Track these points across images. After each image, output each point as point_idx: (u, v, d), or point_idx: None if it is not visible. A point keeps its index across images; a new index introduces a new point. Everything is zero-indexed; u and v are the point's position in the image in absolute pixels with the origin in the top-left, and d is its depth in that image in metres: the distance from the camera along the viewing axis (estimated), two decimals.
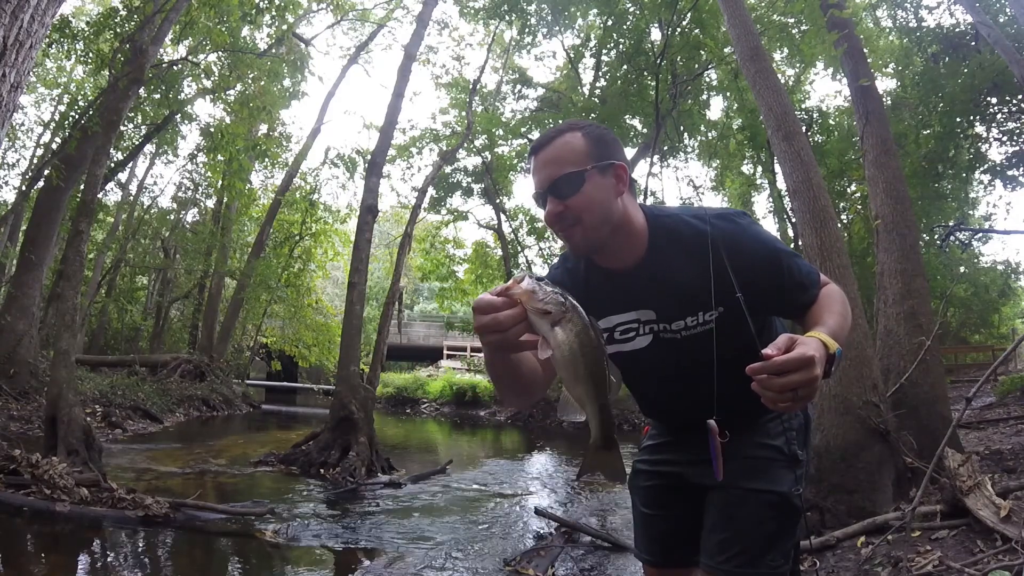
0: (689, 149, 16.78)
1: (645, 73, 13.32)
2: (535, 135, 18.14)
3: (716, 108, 21.86)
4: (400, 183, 22.32)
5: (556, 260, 1.44)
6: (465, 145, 15.87)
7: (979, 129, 10.42)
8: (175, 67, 11.41)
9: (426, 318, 31.06)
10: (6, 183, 15.64)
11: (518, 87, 17.93)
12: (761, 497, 1.26)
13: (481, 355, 21.87)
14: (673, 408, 1.42)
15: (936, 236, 12.52)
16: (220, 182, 15.78)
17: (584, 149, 1.19)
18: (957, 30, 10.31)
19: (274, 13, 11.33)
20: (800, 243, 4.89)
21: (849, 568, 3.06)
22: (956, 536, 2.96)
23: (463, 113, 15.85)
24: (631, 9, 12.88)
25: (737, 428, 1.30)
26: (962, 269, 16.62)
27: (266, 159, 16.21)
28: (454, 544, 4.48)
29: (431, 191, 16.25)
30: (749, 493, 1.27)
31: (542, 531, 4.76)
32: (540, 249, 18.20)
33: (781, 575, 1.26)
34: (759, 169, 15.70)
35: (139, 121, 12.74)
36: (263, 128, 15.97)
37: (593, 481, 7.38)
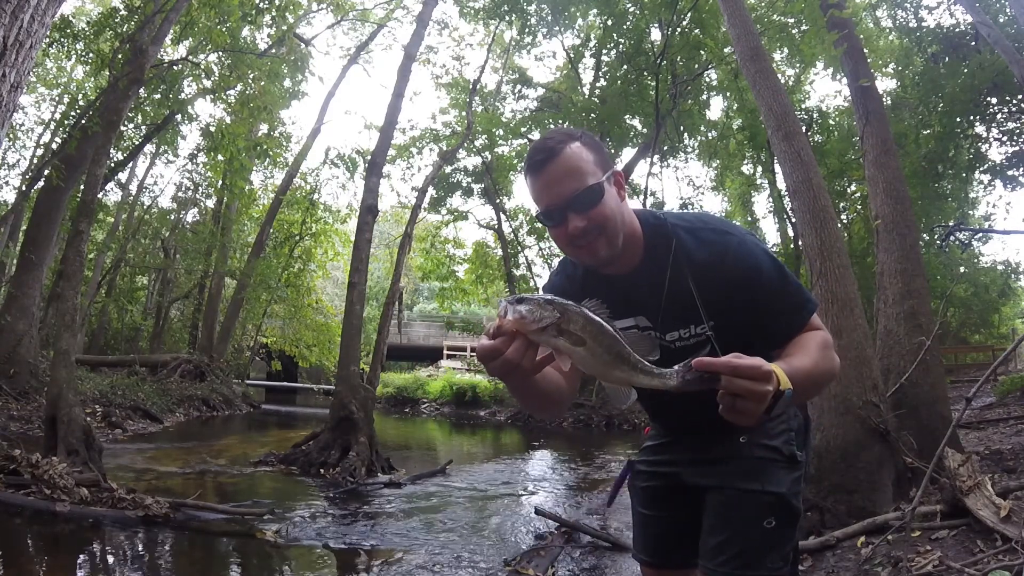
0: (689, 149, 16.80)
1: (645, 73, 13.33)
2: (535, 135, 18.14)
3: (716, 108, 21.85)
4: (400, 183, 22.39)
5: (555, 268, 1.43)
6: (465, 145, 15.87)
7: (979, 129, 10.43)
8: (175, 67, 11.42)
9: (426, 318, 31.05)
10: (6, 183, 15.62)
11: (518, 87, 17.94)
12: (759, 498, 1.25)
13: None
14: (670, 411, 1.42)
15: (936, 236, 12.52)
16: (220, 182, 15.80)
17: (592, 159, 1.18)
18: (957, 30, 10.31)
19: (274, 13, 11.34)
20: (800, 243, 4.90)
21: (849, 568, 3.06)
22: (956, 536, 2.96)
23: (463, 113, 15.85)
24: (631, 9, 12.89)
25: (735, 428, 1.31)
26: (962, 269, 16.62)
27: (267, 159, 16.22)
28: (454, 544, 4.48)
29: (431, 191, 16.25)
30: (747, 494, 1.26)
31: (542, 531, 4.76)
32: (540, 249, 18.20)
33: None
34: (759, 169, 15.72)
35: (139, 121, 12.73)
36: (263, 128, 15.97)
37: (593, 481, 7.39)
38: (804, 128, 9.56)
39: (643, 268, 1.26)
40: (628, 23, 12.96)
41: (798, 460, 1.31)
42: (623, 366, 0.96)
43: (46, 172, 10.62)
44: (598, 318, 0.94)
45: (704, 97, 14.95)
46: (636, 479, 1.51)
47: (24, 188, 12.94)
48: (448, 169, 17.00)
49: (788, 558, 1.27)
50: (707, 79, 14.23)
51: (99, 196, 10.09)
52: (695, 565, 1.33)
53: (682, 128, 14.87)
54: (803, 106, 14.25)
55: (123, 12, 9.76)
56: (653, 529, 1.47)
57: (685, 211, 1.38)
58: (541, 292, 1.32)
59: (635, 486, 1.51)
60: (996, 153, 10.56)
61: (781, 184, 11.43)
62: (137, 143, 14.18)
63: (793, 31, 10.11)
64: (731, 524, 1.25)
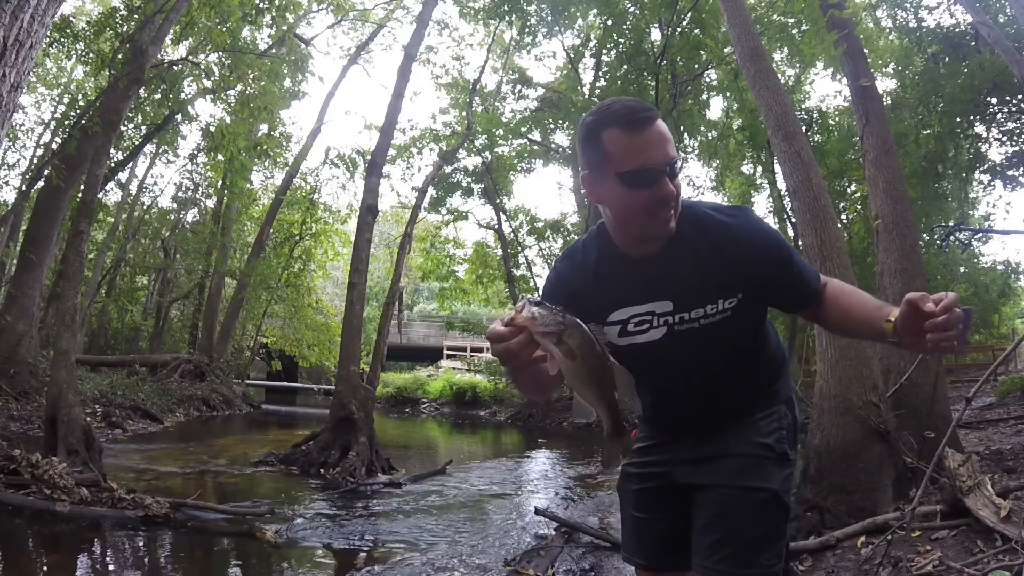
0: (689, 149, 16.76)
1: (645, 73, 13.31)
2: (535, 135, 18.12)
3: (716, 108, 21.85)
4: (400, 183, 22.36)
5: (561, 257, 1.42)
6: (465, 145, 15.87)
7: (979, 129, 10.41)
8: (175, 67, 11.41)
9: (426, 318, 31.04)
10: (6, 183, 15.57)
11: (518, 87, 17.93)
12: (754, 495, 1.26)
13: (481, 355, 21.95)
14: (674, 402, 1.42)
15: (936, 236, 12.51)
16: (220, 182, 15.78)
17: None
18: (957, 30, 10.30)
19: (274, 13, 11.34)
20: (800, 243, 4.89)
21: (849, 568, 3.06)
22: (956, 536, 2.95)
23: (463, 113, 15.85)
24: (631, 9, 12.88)
25: (730, 426, 1.35)
26: (962, 269, 16.61)
27: (267, 159, 16.21)
28: (454, 544, 4.48)
29: (431, 191, 16.25)
30: (742, 491, 1.27)
31: (542, 531, 4.76)
32: (540, 249, 18.19)
33: (774, 574, 1.26)
34: (759, 169, 15.68)
35: (139, 121, 12.72)
36: (263, 128, 15.96)
37: (597, 479, 7.39)
38: (804, 128, 9.54)
39: (671, 248, 1.26)
40: (628, 23, 12.95)
41: (789, 458, 1.34)
42: (596, 390, 1.09)
43: (46, 172, 10.62)
44: (596, 342, 1.06)
45: (704, 97, 14.94)
46: (627, 482, 1.49)
47: (24, 188, 12.92)
48: (448, 169, 17.00)
49: (781, 555, 1.29)
50: (707, 79, 14.22)
51: (99, 196, 10.09)
52: (689, 567, 1.32)
53: (682, 128, 14.84)
54: (803, 106, 14.23)
55: (123, 12, 9.76)
56: (648, 532, 1.45)
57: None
58: (549, 284, 1.38)
59: (626, 489, 1.49)
60: (996, 153, 10.56)
61: (781, 184, 11.40)
62: (137, 143, 14.15)
63: (793, 31, 10.09)
64: (727, 522, 1.26)
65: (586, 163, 1.23)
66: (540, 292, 1.39)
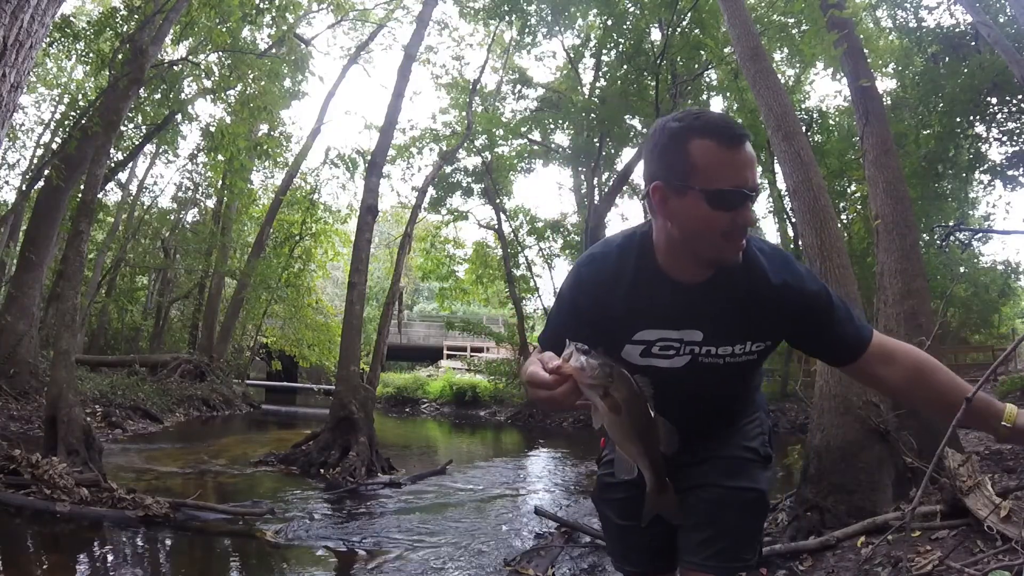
0: None
1: (645, 73, 13.32)
2: (535, 135, 18.10)
3: (716, 108, 21.81)
4: (400, 183, 22.36)
5: (586, 260, 1.29)
6: (465, 145, 15.87)
7: (979, 129, 10.42)
8: (175, 67, 11.41)
9: (426, 318, 31.04)
10: (6, 183, 15.57)
11: (518, 87, 17.92)
12: (744, 495, 1.33)
13: (481, 355, 21.96)
14: (677, 417, 1.42)
15: (936, 236, 12.51)
16: (220, 182, 15.77)
17: None
18: (957, 30, 10.30)
19: (274, 13, 11.34)
20: (800, 243, 4.88)
21: (849, 568, 3.07)
22: (956, 536, 2.95)
23: (463, 113, 15.85)
24: (631, 9, 12.89)
25: (720, 431, 1.41)
26: (962, 269, 16.59)
27: (267, 159, 16.21)
28: (454, 544, 4.49)
29: (431, 191, 16.25)
30: (733, 491, 1.33)
31: (542, 531, 4.76)
32: (540, 249, 18.19)
33: (751, 567, 1.33)
34: (759, 169, 15.67)
35: (139, 121, 12.72)
36: (264, 128, 15.96)
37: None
38: (804, 128, 9.55)
39: (716, 280, 1.20)
40: (628, 23, 12.96)
41: (771, 459, 1.43)
42: (639, 445, 1.08)
43: (46, 172, 10.62)
44: (642, 396, 1.05)
45: (704, 97, 14.94)
46: (608, 492, 1.47)
47: (24, 188, 12.92)
48: (448, 169, 17.00)
49: (759, 550, 1.39)
50: (707, 79, 14.23)
51: (99, 196, 10.09)
52: (675, 567, 1.38)
53: None
54: (803, 106, 14.24)
55: (123, 12, 9.76)
56: (636, 538, 1.43)
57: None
58: (570, 287, 1.28)
59: (609, 500, 1.48)
60: (996, 153, 10.57)
61: (781, 184, 11.42)
62: (137, 143, 14.16)
63: (793, 31, 10.10)
64: (718, 520, 1.31)
65: (662, 172, 1.13)
66: (556, 293, 1.39)
